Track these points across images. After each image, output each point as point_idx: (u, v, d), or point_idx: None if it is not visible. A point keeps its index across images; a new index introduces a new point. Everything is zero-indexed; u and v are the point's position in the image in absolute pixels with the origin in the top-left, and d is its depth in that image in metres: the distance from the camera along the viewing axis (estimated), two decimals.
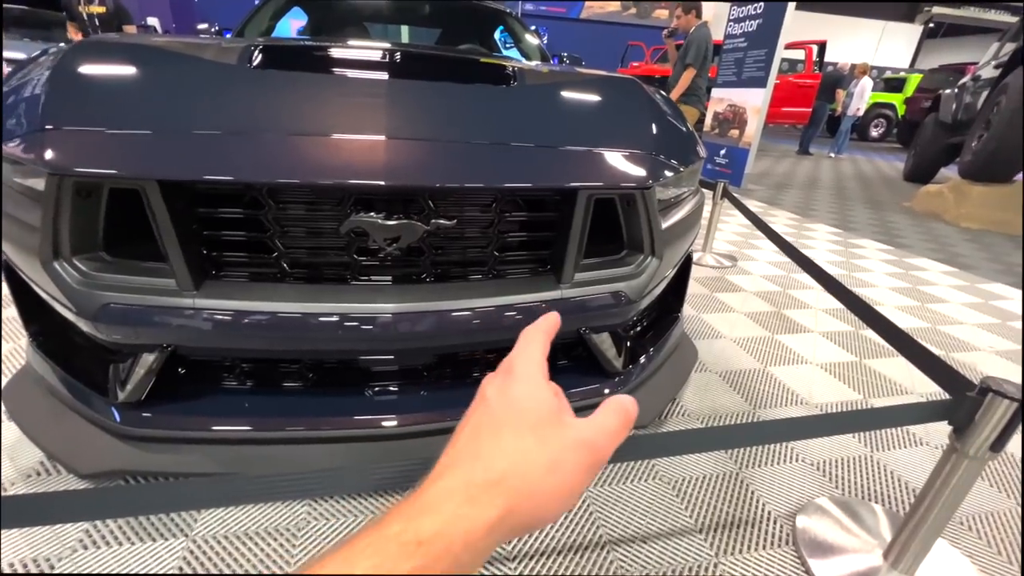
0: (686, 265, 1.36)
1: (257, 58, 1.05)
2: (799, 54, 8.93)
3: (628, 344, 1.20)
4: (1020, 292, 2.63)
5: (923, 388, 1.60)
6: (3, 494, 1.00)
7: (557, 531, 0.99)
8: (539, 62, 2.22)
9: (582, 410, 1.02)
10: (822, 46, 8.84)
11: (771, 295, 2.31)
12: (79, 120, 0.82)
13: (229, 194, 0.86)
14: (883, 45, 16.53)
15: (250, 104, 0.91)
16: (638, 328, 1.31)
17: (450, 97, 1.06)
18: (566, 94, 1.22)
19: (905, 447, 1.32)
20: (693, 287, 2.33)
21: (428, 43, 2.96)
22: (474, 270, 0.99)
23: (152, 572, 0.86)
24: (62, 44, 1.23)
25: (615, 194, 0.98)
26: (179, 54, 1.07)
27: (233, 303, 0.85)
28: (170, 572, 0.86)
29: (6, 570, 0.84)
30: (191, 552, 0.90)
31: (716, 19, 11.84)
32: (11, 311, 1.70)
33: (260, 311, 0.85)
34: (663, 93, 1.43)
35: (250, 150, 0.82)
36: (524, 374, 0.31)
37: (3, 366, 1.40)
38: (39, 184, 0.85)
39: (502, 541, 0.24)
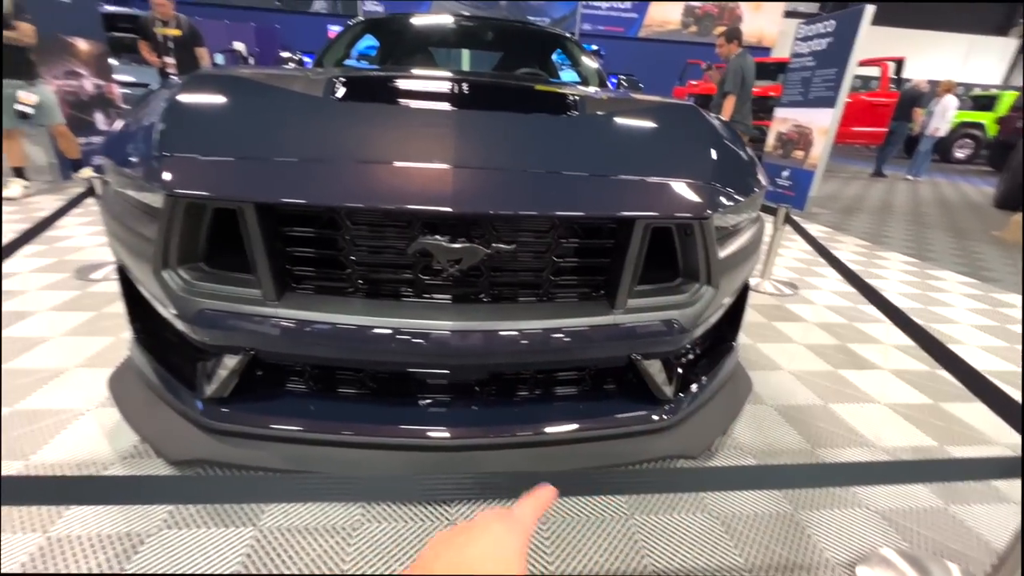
0: (743, 294, 1.33)
1: (339, 90, 1.15)
2: (874, 70, 8.45)
3: (680, 372, 1.19)
4: None
5: (1010, 439, 1.46)
6: (101, 474, 1.13)
7: (601, 556, 0.99)
8: (597, 87, 2.26)
9: (625, 437, 1.03)
10: (899, 63, 8.34)
11: (835, 327, 2.19)
12: (192, 148, 0.94)
13: (311, 215, 0.94)
14: (971, 60, 15.31)
15: (333, 134, 1.00)
16: (690, 356, 1.29)
17: (513, 127, 1.11)
18: (624, 122, 1.25)
19: (987, 503, 1.21)
20: (750, 315, 2.24)
21: (490, 66, 3.08)
22: (529, 292, 1.03)
23: (154, 573, 0.94)
24: (173, 77, 1.40)
25: (672, 223, 0.99)
26: (274, 87, 1.20)
27: (309, 313, 0.93)
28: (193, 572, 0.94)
29: (6, 570, 0.94)
30: (257, 541, 0.97)
31: (783, 36, 11.46)
32: (114, 307, 1.91)
33: (332, 322, 0.93)
34: (722, 119, 1.42)
35: (333, 177, 0.90)
36: (498, 536, 0.37)
37: (112, 356, 1.58)
38: (151, 200, 0.97)
39: None
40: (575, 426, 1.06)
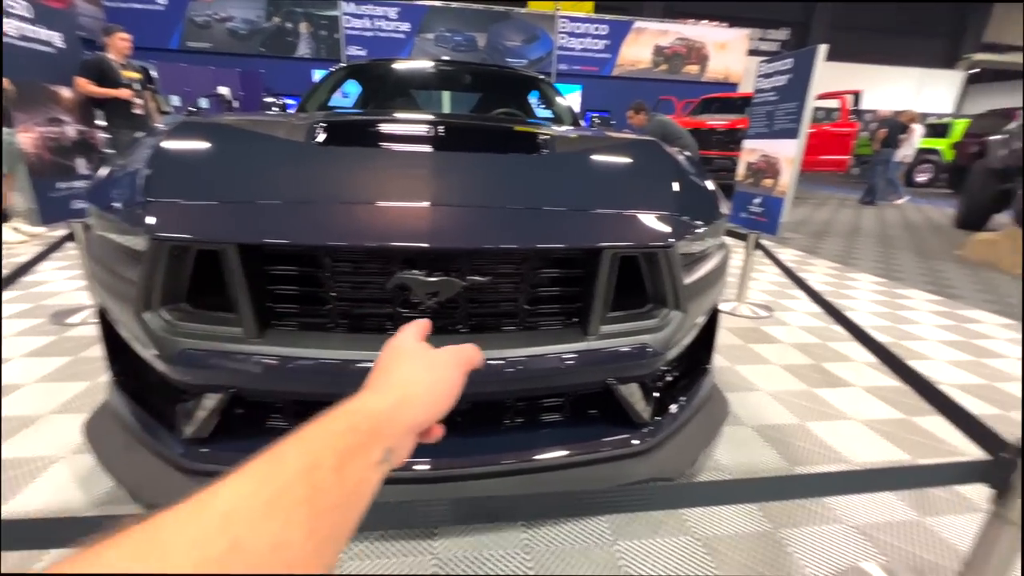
0: (713, 318, 1.39)
1: (321, 136, 1.21)
2: (835, 103, 8.96)
3: (656, 396, 1.22)
4: None
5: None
6: (75, 516, 1.11)
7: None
8: (570, 125, 2.37)
9: (605, 461, 1.07)
10: (856, 95, 8.85)
11: (809, 347, 2.26)
12: (176, 193, 0.97)
13: (292, 254, 0.98)
14: (923, 91, 16.30)
15: (315, 177, 1.05)
16: (667, 379, 1.33)
17: (486, 166, 1.17)
18: (592, 158, 1.32)
19: (959, 513, 1.24)
20: (727, 338, 2.31)
21: (469, 107, 3.21)
22: (506, 322, 1.06)
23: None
24: (158, 124, 1.45)
25: (637, 252, 1.05)
26: (256, 133, 1.25)
27: (290, 350, 0.95)
28: None
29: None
30: None
31: (747, 73, 12.12)
32: (92, 352, 1.89)
33: (313, 357, 0.95)
34: (687, 153, 1.51)
35: (314, 217, 0.94)
36: (405, 338, 0.44)
37: (87, 401, 1.55)
38: (134, 243, 1.00)
39: (416, 423, 0.35)
40: (556, 453, 1.08)
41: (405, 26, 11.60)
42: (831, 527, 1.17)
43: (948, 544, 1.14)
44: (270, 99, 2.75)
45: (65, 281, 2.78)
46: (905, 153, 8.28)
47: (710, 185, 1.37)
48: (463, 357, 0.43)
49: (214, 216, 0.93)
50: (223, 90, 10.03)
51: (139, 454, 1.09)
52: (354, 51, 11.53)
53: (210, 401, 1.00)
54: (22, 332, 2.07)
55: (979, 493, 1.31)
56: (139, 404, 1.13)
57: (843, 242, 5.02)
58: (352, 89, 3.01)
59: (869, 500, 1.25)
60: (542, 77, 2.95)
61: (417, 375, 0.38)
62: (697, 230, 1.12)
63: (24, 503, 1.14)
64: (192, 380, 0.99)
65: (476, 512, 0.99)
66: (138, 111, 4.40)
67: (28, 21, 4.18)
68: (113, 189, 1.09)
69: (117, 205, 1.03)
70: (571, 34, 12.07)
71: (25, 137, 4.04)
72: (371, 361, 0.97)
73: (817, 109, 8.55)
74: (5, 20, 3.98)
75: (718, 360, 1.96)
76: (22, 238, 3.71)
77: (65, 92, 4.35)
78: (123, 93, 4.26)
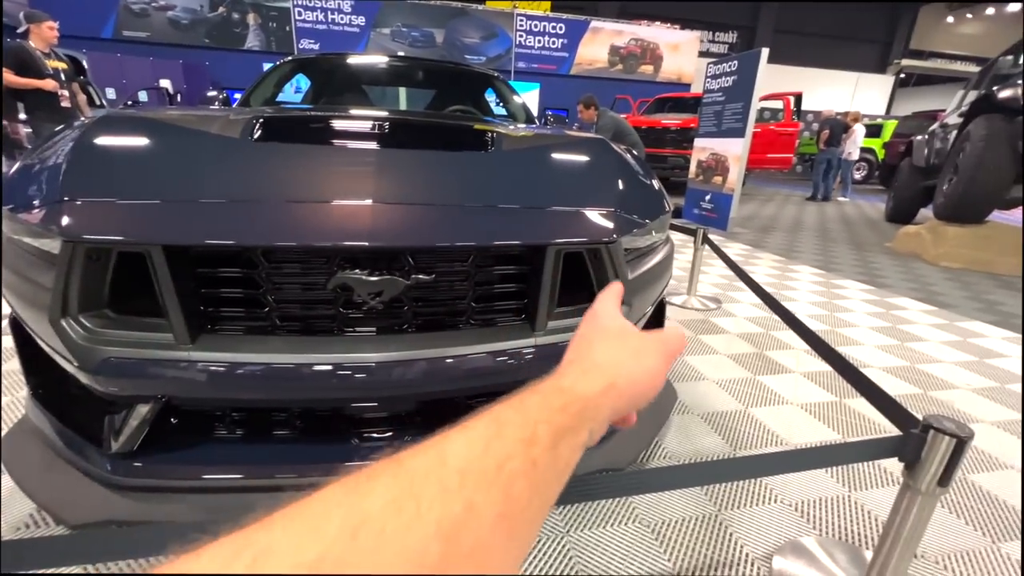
0: (659, 311, 1.43)
1: (258, 131, 1.16)
2: (779, 103, 9.42)
3: None
4: (1001, 331, 2.69)
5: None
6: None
7: (532, 568, 1.00)
8: (522, 123, 2.38)
9: None
10: (798, 97, 9.35)
11: (754, 336, 2.37)
12: (94, 191, 0.91)
13: (226, 255, 0.94)
14: (858, 94, 17.40)
15: (249, 174, 1.01)
16: None
17: (431, 164, 1.16)
18: (538, 156, 1.33)
19: (883, 486, 1.34)
20: None
21: (423, 105, 3.17)
22: (453, 320, 1.06)
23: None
24: (84, 118, 1.35)
25: (581, 248, 1.06)
26: (187, 128, 1.19)
27: (226, 355, 0.91)
28: None
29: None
30: None
31: (699, 73, 12.56)
32: (12, 364, 1.75)
33: (252, 362, 0.91)
34: (634, 152, 1.55)
35: (247, 216, 0.90)
36: (609, 311, 0.43)
37: (2, 418, 1.43)
38: (49, 246, 0.93)
39: (617, 411, 0.34)
40: None
41: (360, 20, 11.33)
42: (770, 507, 1.23)
43: (872, 515, 1.23)
44: (213, 92, 2.62)
45: None
46: (849, 151, 8.85)
47: (655, 182, 1.41)
48: (670, 346, 0.41)
49: (136, 216, 0.88)
50: (165, 83, 9.46)
51: (61, 472, 1.02)
52: (307, 44, 11.15)
53: (140, 412, 0.95)
54: None
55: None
56: (60, 419, 1.06)
57: (787, 236, 5.29)
58: (303, 84, 2.91)
59: (803, 478, 1.33)
60: (496, 75, 2.95)
61: (625, 361, 0.36)
62: (640, 226, 1.15)
63: None
64: (118, 390, 0.94)
65: None
66: (65, 103, 4.10)
67: None
68: (25, 187, 1.01)
69: (29, 204, 0.95)
70: (529, 32, 12.13)
71: None
72: (315, 364, 0.95)
73: (762, 109, 8.98)
74: None
75: None
76: None
77: None
78: (47, 84, 3.95)
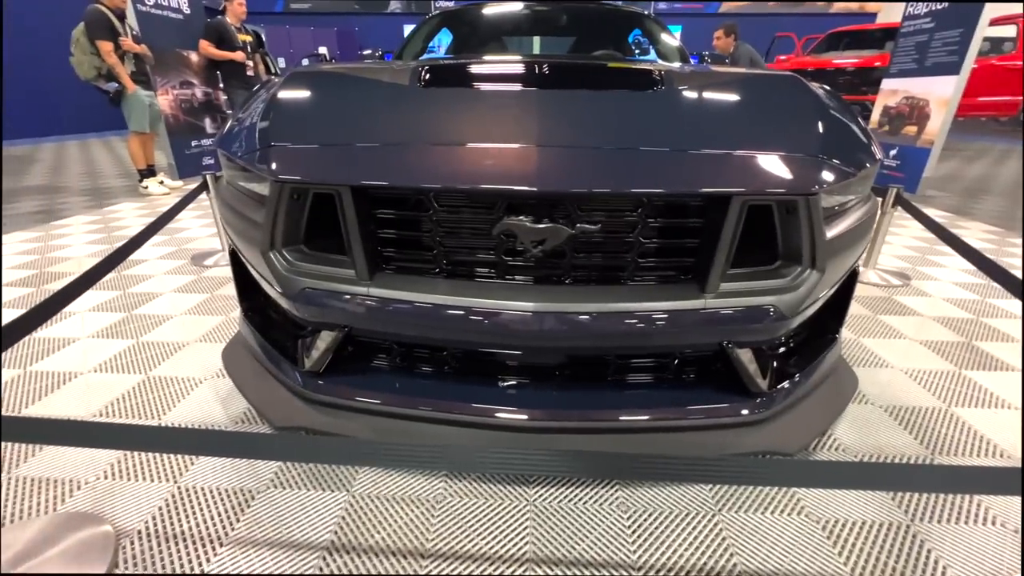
0: (850, 281, 1.21)
1: (425, 77, 1.18)
2: (1009, 30, 7.27)
3: (775, 363, 1.10)
4: None
5: None
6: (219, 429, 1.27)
7: (686, 550, 0.95)
8: (680, 63, 2.14)
9: (713, 429, 0.98)
10: None
11: (958, 323, 1.93)
12: (294, 139, 1.00)
13: (402, 198, 0.98)
14: None
15: (421, 119, 1.03)
16: (789, 347, 1.20)
17: (597, 105, 1.08)
18: (718, 95, 1.17)
19: None
20: (852, 307, 2.04)
21: (564, 51, 3.02)
22: (614, 275, 1.00)
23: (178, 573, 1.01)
24: (272, 77, 1.51)
25: (773, 200, 0.91)
26: (365, 79, 1.25)
27: (398, 292, 0.97)
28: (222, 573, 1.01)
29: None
30: (350, 504, 1.04)
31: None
32: (228, 289, 2.13)
33: (419, 301, 0.96)
34: (829, 88, 1.28)
35: (420, 160, 0.93)
36: None
37: (224, 332, 1.76)
38: (258, 188, 1.06)
39: None
40: (659, 415, 1.02)
41: None
42: (985, 528, 1.01)
43: None
44: (368, 51, 2.79)
45: (200, 228, 3.14)
46: None
47: (863, 128, 1.16)
48: None
49: (329, 159, 0.95)
50: (322, 50, 10.50)
51: (266, 381, 1.21)
52: (444, 3, 11.39)
53: (326, 337, 1.07)
54: (169, 271, 2.38)
55: None
56: (265, 337, 1.24)
57: (1006, 202, 4.18)
58: (444, 40, 2.96)
59: None
60: (645, 13, 2.68)
61: None
62: (848, 177, 0.95)
63: (178, 416, 1.32)
64: (310, 317, 1.06)
65: (575, 466, 0.98)
66: (250, 72, 4.73)
67: None
68: (238, 138, 1.16)
69: (243, 152, 1.09)
70: None
71: (163, 99, 4.55)
72: (474, 308, 0.97)
73: (983, 39, 7.01)
74: None
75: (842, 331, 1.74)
76: (165, 190, 4.24)
77: (193, 56, 4.79)
78: (239, 56, 4.59)
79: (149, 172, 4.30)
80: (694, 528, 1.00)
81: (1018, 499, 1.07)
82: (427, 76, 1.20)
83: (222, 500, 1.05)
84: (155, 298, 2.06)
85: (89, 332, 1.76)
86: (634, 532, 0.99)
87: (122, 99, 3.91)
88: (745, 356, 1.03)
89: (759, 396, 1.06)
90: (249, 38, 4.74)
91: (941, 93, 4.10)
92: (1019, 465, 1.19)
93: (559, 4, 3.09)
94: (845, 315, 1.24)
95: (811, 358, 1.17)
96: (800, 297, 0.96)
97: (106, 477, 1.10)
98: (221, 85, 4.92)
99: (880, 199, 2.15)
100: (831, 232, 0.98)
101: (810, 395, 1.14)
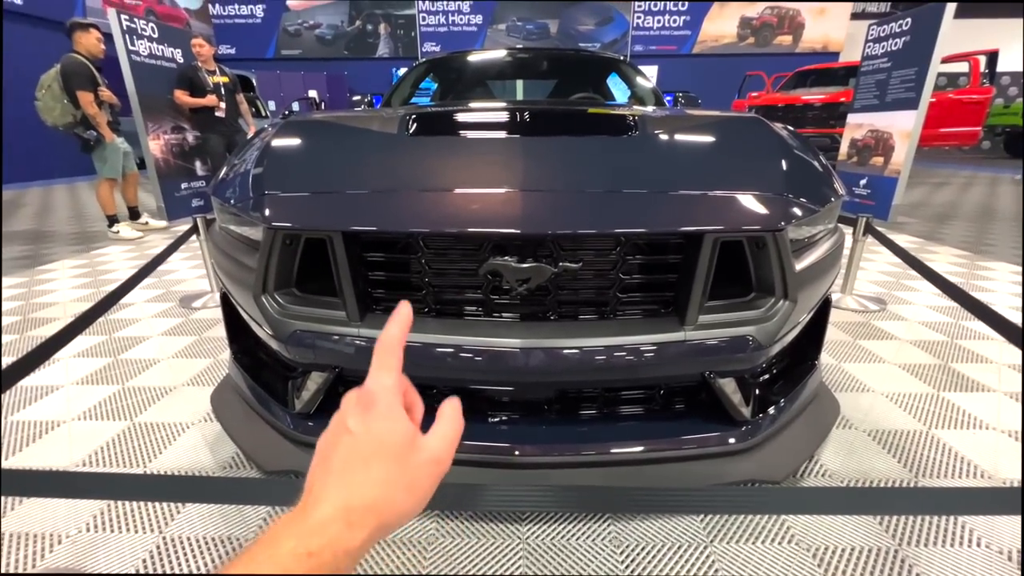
0: (823, 309, 1.26)
1: (413, 126, 1.25)
2: (962, 66, 7.77)
3: (757, 391, 1.14)
4: None
5: None
6: (206, 476, 1.25)
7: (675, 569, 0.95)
8: (655, 106, 2.26)
9: (700, 459, 1.01)
10: (992, 56, 7.60)
11: (934, 345, 1.99)
12: (288, 186, 1.05)
13: (391, 241, 1.02)
14: None
15: (409, 166, 1.08)
16: (770, 375, 1.23)
17: (575, 149, 1.14)
18: (689, 138, 1.24)
19: None
20: (831, 333, 2.10)
21: (545, 95, 3.17)
22: (597, 310, 1.04)
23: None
24: (266, 125, 1.57)
25: (743, 236, 0.97)
26: (355, 128, 1.32)
27: None
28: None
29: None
30: None
31: (851, 39, 10.87)
32: (216, 331, 2.12)
33: (408, 340, 0.98)
34: (791, 128, 1.37)
35: (409, 205, 0.97)
36: (385, 408, 0.34)
37: (212, 375, 1.75)
38: (251, 233, 1.09)
39: (374, 543, 0.31)
40: (647, 446, 1.04)
41: (477, 19, 11.75)
42: (970, 551, 1.02)
43: None
44: (357, 97, 2.89)
45: (189, 270, 3.14)
46: None
47: (822, 164, 1.24)
48: (445, 460, 0.35)
49: (321, 206, 0.99)
50: (312, 93, 10.79)
51: (256, 424, 1.21)
52: (429, 47, 11.87)
53: (316, 378, 1.08)
54: (157, 315, 2.37)
55: None
56: (255, 379, 1.25)
57: (974, 227, 4.37)
58: (428, 85, 3.09)
59: (1017, 522, 1.08)
60: (620, 57, 2.84)
61: (400, 496, 0.32)
62: (810, 212, 1.01)
63: (164, 463, 1.30)
64: (301, 358, 1.07)
65: (566, 501, 0.99)
66: (219, 114, 4.52)
67: (155, 41, 4.74)
68: (232, 185, 1.20)
69: (236, 200, 1.13)
70: (648, 12, 11.54)
71: (154, 144, 4.62)
72: (460, 346, 1.00)
73: (938, 75, 7.47)
74: (137, 42, 4.53)
75: (823, 357, 1.79)
76: (138, 234, 4.08)
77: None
78: (211, 100, 4.43)
79: (133, 214, 4.31)
80: (687, 561, 1.00)
81: (1002, 519, 1.09)
82: (414, 125, 1.26)
83: (209, 549, 1.03)
84: (142, 342, 2.05)
85: (73, 379, 1.74)
86: (627, 568, 0.99)
87: (97, 147, 3.84)
88: (728, 386, 1.06)
89: (744, 424, 1.08)
90: (225, 79, 4.56)
91: (903, 126, 4.34)
92: (1017, 485, 1.22)
93: (540, 51, 3.27)
94: (822, 342, 1.28)
95: (792, 385, 1.20)
96: (776, 326, 1.01)
97: (88, 530, 1.08)
98: (196, 132, 4.79)
99: (852, 228, 2.25)
100: (800, 264, 1.04)
101: (793, 422, 1.16)
